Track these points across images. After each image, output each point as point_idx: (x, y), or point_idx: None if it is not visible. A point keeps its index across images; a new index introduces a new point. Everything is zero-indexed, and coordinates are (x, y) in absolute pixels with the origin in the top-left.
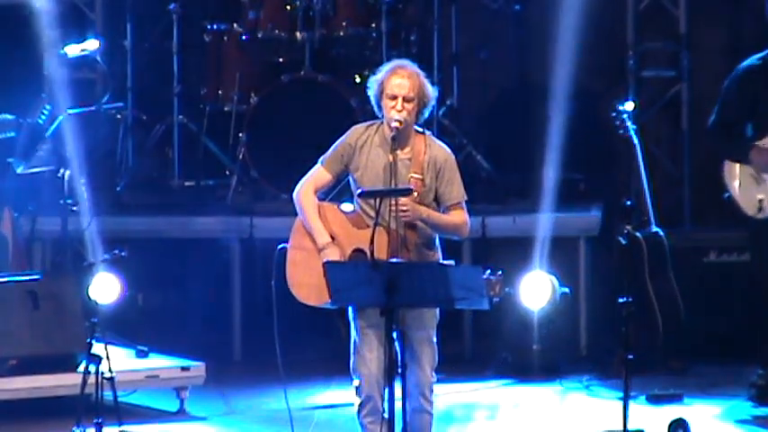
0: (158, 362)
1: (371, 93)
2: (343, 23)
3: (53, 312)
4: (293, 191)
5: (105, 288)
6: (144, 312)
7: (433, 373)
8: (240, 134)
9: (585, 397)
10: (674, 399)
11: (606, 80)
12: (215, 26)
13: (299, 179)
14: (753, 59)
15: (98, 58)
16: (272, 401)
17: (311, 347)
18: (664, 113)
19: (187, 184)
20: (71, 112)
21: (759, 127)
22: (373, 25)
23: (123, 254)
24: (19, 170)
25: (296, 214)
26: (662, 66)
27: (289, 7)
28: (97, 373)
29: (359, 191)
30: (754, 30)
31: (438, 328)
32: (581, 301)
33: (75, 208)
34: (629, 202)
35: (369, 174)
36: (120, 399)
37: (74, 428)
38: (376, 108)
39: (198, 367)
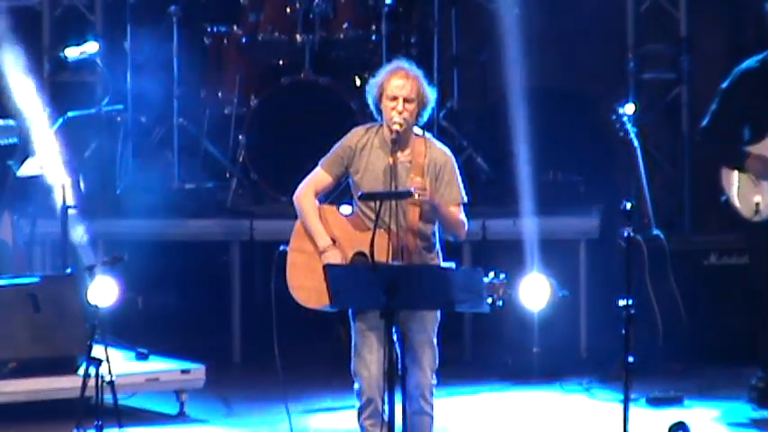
0: (158, 365)
1: (370, 96)
2: (344, 26)
3: (53, 315)
4: (293, 193)
5: (104, 291)
6: (144, 315)
7: (434, 376)
8: (240, 137)
9: (586, 399)
10: (675, 401)
11: (606, 82)
12: (215, 29)
13: (299, 182)
14: (751, 62)
15: (98, 61)
16: (272, 404)
17: (311, 350)
18: (664, 116)
19: (187, 186)
20: (71, 114)
21: (756, 130)
22: (373, 27)
23: (123, 257)
24: (18, 173)
25: (296, 217)
26: (662, 68)
27: (289, 10)
28: (97, 375)
29: (359, 193)
30: (754, 32)
31: (438, 330)
32: (581, 303)
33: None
34: (629, 205)
35: (369, 176)
36: (120, 402)
37: (74, 431)
38: (375, 111)
39: (198, 370)
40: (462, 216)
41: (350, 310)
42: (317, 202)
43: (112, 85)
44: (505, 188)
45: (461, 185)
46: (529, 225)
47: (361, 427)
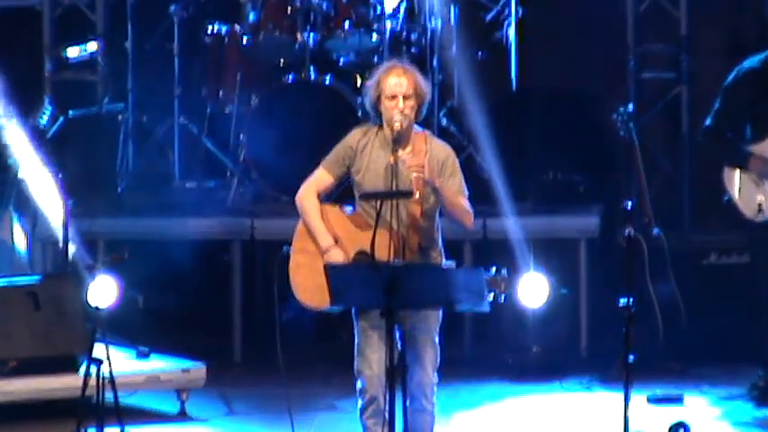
0: (159, 364)
1: (368, 98)
2: (344, 25)
3: (54, 314)
4: (294, 192)
5: (103, 291)
6: (145, 314)
7: (435, 374)
8: (241, 136)
9: (586, 399)
10: (675, 400)
11: (606, 82)
12: (215, 28)
13: (300, 181)
14: (752, 61)
15: (99, 60)
16: (273, 403)
17: (312, 349)
18: (664, 115)
19: (188, 185)
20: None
21: (757, 129)
22: (374, 27)
23: (124, 256)
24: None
25: (297, 216)
26: (662, 67)
27: (289, 9)
28: (98, 374)
29: (360, 193)
30: (754, 32)
31: (439, 329)
32: (581, 302)
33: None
34: (629, 204)
35: (370, 175)
36: (120, 401)
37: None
38: (373, 114)
39: (199, 369)
40: (467, 204)
41: (352, 310)
42: (318, 203)
43: (113, 84)
44: (506, 187)
45: (463, 180)
46: (529, 224)
47: (363, 425)
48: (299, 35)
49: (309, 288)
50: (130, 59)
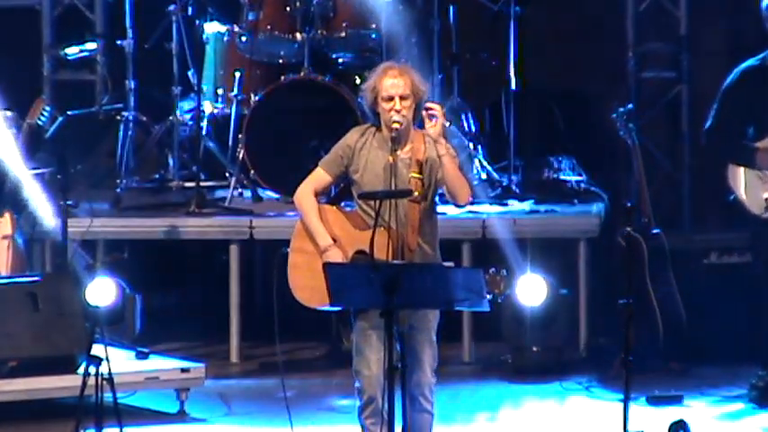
0: (158, 363)
1: (365, 100)
2: (343, 24)
3: (53, 314)
4: (293, 192)
5: (102, 291)
6: (144, 313)
7: (434, 374)
8: (240, 135)
9: (585, 398)
10: (675, 400)
11: (606, 81)
12: (215, 27)
13: (299, 180)
14: (751, 61)
15: (98, 60)
16: (273, 403)
17: (311, 349)
18: (664, 115)
19: (187, 185)
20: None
21: (759, 128)
22: (373, 26)
23: (123, 256)
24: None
25: (295, 216)
26: (662, 67)
27: (288, 8)
28: (97, 374)
29: (359, 192)
30: (754, 31)
31: (437, 329)
32: (581, 302)
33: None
34: (629, 204)
35: (368, 175)
36: (119, 400)
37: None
38: (371, 115)
39: (198, 369)
40: (466, 179)
41: (351, 309)
42: (316, 202)
43: (112, 83)
44: (505, 187)
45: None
46: (528, 224)
47: (362, 425)
48: (298, 35)
49: (308, 288)
50: (130, 59)
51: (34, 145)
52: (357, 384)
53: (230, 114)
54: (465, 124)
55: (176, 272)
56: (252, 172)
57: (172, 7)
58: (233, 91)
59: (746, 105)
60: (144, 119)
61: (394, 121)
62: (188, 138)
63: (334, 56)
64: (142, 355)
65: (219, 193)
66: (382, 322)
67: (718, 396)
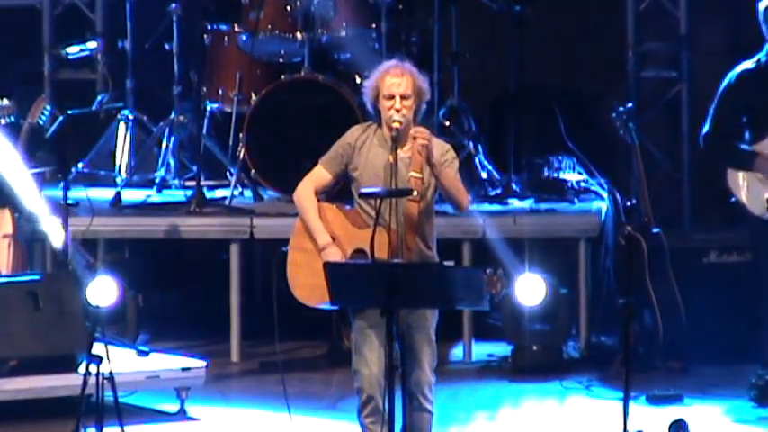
0: (159, 362)
1: (367, 97)
2: (344, 24)
3: (54, 313)
4: (293, 191)
5: (103, 290)
6: (144, 313)
7: (433, 373)
8: (240, 135)
9: (585, 397)
10: (675, 399)
11: (606, 80)
12: (215, 27)
13: (299, 179)
14: (746, 64)
15: (98, 59)
16: (273, 402)
17: (311, 347)
18: (664, 114)
19: (187, 184)
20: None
21: (756, 131)
22: (373, 26)
23: (124, 255)
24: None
25: (296, 215)
26: (662, 66)
27: (289, 8)
28: (98, 373)
29: (359, 191)
30: (753, 31)
31: (437, 328)
32: (581, 301)
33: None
34: (629, 203)
35: (368, 173)
36: (120, 399)
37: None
38: (373, 112)
39: (198, 368)
40: (463, 186)
41: (349, 308)
42: (316, 200)
43: (113, 83)
44: (505, 186)
45: (459, 176)
46: (528, 223)
47: (362, 424)
48: (298, 34)
49: (307, 286)
50: (130, 58)
51: (35, 144)
52: (356, 383)
53: (231, 113)
54: (465, 123)
55: (177, 271)
56: (252, 171)
57: (172, 6)
58: (234, 90)
59: (743, 108)
60: (144, 118)
61: (394, 121)
62: (188, 137)
63: (334, 55)
64: (143, 354)
65: (220, 193)
66: (381, 321)
67: (717, 395)
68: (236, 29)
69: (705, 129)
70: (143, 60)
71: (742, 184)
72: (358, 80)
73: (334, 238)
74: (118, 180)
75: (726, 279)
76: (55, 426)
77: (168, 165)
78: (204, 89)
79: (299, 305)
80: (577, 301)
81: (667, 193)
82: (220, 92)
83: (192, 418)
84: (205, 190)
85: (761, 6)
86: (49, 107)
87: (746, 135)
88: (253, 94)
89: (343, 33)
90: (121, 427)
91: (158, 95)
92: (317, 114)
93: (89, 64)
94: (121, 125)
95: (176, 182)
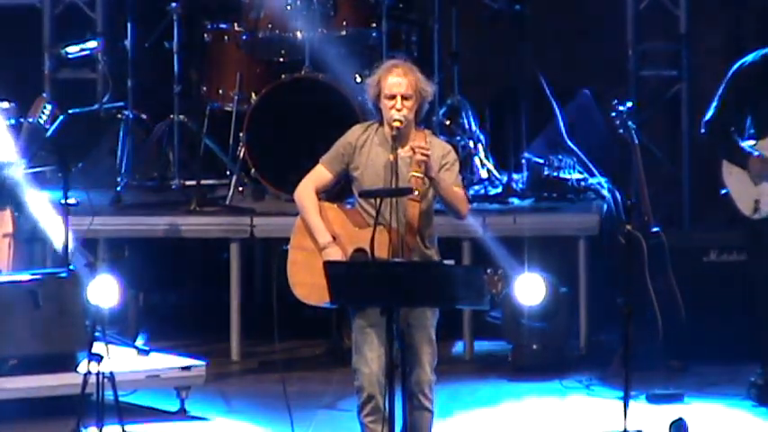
0: (159, 362)
1: (368, 95)
2: (344, 23)
3: (54, 312)
4: (294, 190)
5: (103, 289)
6: (144, 312)
7: (433, 372)
8: (240, 134)
9: (585, 397)
10: (675, 398)
11: (606, 79)
12: (215, 26)
13: (300, 179)
14: (752, 56)
15: (99, 58)
16: (273, 401)
17: (311, 347)
18: (664, 113)
19: (187, 183)
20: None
21: (760, 125)
22: (374, 25)
23: (124, 253)
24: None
25: (296, 214)
26: (662, 65)
27: (289, 7)
28: (98, 372)
29: (360, 191)
30: (754, 30)
31: (437, 327)
32: (581, 300)
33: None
34: (629, 202)
35: (369, 173)
36: (120, 398)
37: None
38: (374, 110)
39: (199, 367)
40: (463, 193)
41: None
42: (317, 199)
43: (113, 82)
44: (505, 185)
45: (459, 176)
46: (528, 222)
47: (362, 423)
48: (298, 33)
49: (307, 284)
50: (130, 57)
51: (35, 144)
52: (356, 382)
53: (231, 112)
54: (465, 123)
55: (177, 270)
56: (252, 170)
57: (172, 5)
58: (234, 89)
59: (747, 100)
60: (144, 117)
61: (395, 120)
62: (188, 136)
63: (334, 54)
64: (143, 353)
65: (220, 192)
66: (381, 320)
67: (717, 394)
68: (237, 28)
69: (707, 115)
70: (143, 60)
71: (734, 180)
72: (358, 79)
73: (334, 238)
74: (118, 179)
75: (726, 279)
76: (55, 425)
77: (168, 164)
78: (204, 88)
79: (299, 304)
80: (577, 299)
81: (667, 192)
82: (221, 91)
83: (193, 418)
84: (205, 189)
85: None
86: (49, 106)
87: (748, 126)
88: (253, 94)
89: (344, 32)
90: (122, 427)
91: (159, 94)
92: (316, 113)
93: (89, 63)
94: (121, 124)
95: (176, 181)
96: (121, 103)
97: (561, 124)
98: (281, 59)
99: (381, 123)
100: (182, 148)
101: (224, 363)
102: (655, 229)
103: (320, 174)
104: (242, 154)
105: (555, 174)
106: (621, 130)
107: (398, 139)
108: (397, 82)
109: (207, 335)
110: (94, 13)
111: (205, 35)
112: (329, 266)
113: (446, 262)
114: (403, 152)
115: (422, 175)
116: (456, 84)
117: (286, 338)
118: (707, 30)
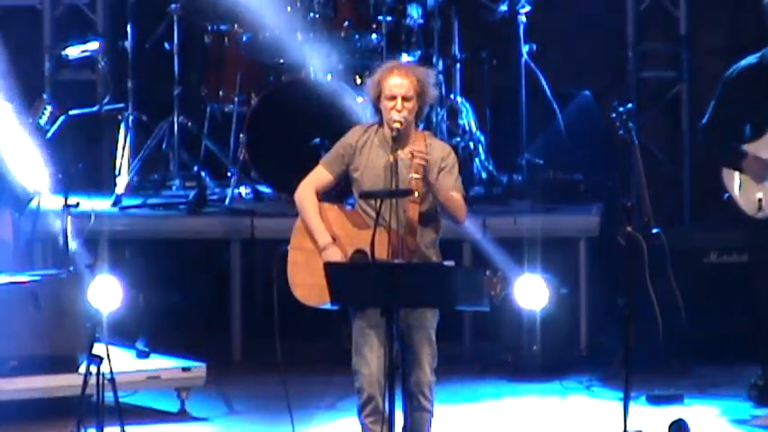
0: (159, 363)
1: (369, 95)
2: (344, 24)
3: (54, 313)
4: (294, 191)
5: (107, 292)
6: (145, 313)
7: (433, 373)
8: (241, 135)
9: (586, 398)
10: (675, 399)
11: (606, 80)
12: (215, 27)
13: (300, 180)
14: (750, 59)
15: (99, 59)
16: (274, 402)
17: (312, 347)
18: (664, 114)
19: (188, 184)
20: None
21: (756, 126)
22: (374, 26)
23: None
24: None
25: (296, 215)
26: (662, 66)
27: (289, 8)
28: (98, 373)
29: (360, 192)
30: (754, 30)
31: (437, 328)
32: (581, 301)
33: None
34: (629, 203)
35: (369, 174)
36: (121, 400)
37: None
38: (374, 110)
39: (199, 368)
40: (461, 199)
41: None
42: (317, 200)
43: (113, 83)
44: (506, 186)
45: (459, 178)
46: (529, 223)
47: (362, 424)
48: (298, 34)
49: (307, 285)
50: (130, 59)
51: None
52: (356, 383)
53: (231, 114)
54: (465, 123)
55: (178, 271)
56: (253, 171)
57: (173, 6)
58: (234, 90)
59: (744, 103)
60: (144, 118)
61: (395, 121)
62: (188, 137)
63: (334, 56)
64: (143, 355)
65: (220, 193)
66: (381, 321)
67: (718, 395)
68: (237, 29)
69: (704, 121)
70: (143, 61)
71: (736, 181)
72: (358, 80)
73: (334, 239)
74: (118, 180)
75: (726, 279)
76: (55, 426)
77: (168, 165)
78: (205, 90)
79: (299, 305)
80: (577, 301)
81: (667, 193)
82: (221, 92)
83: (193, 419)
84: (206, 190)
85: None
86: (49, 107)
87: (746, 131)
88: (253, 95)
89: (344, 34)
90: (122, 428)
91: (159, 96)
92: (316, 115)
93: (89, 64)
94: (122, 125)
95: (177, 182)
96: (122, 105)
97: (561, 125)
98: (281, 61)
99: (381, 124)
100: (182, 149)
101: (225, 363)
102: (655, 230)
103: (320, 175)
104: (242, 155)
105: (555, 174)
106: (622, 131)
107: (398, 140)
108: (398, 83)
109: (207, 336)
110: (95, 14)
111: (205, 36)
112: (329, 267)
113: (446, 263)
114: (403, 153)
115: (421, 178)
116: (456, 84)
117: (286, 339)
118: (707, 31)
